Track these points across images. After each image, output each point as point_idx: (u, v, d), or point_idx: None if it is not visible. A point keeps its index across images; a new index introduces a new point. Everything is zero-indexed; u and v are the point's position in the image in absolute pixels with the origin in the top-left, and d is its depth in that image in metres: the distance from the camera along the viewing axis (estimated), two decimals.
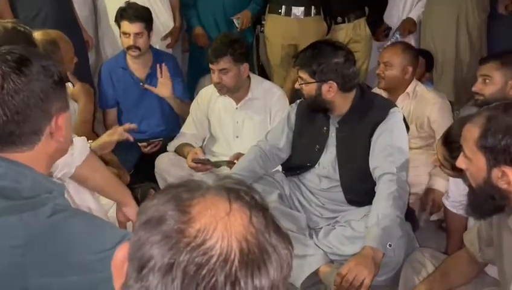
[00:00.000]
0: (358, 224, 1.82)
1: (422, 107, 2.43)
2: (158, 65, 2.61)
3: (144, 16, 2.56)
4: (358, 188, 1.91)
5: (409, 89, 2.47)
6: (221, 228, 0.54)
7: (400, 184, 1.73)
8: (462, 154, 1.20)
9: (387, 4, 3.20)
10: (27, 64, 0.90)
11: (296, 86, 1.93)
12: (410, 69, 2.44)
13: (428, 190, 2.19)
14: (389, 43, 3.05)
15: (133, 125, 1.98)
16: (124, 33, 2.55)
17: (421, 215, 2.22)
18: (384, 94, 2.49)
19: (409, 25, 3.20)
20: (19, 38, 1.52)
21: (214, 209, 0.55)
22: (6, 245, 0.84)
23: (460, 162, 1.21)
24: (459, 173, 1.36)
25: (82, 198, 1.50)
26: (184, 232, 0.53)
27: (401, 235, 1.70)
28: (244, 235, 0.54)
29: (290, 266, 0.58)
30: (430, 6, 3.15)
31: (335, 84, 1.81)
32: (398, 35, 3.18)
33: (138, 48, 2.57)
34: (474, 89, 2.10)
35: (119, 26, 2.58)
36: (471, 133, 1.14)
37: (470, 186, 1.22)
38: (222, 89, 2.34)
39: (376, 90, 2.53)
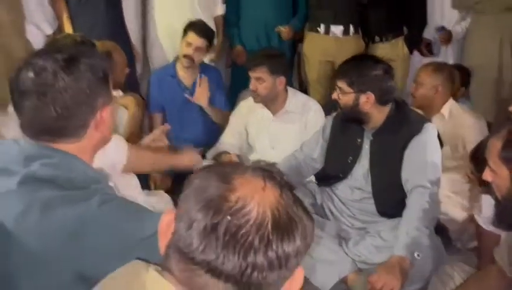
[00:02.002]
0: (388, 234, 1.85)
1: (457, 128, 2.44)
2: (199, 76, 2.76)
3: (210, 35, 2.78)
4: (390, 201, 1.94)
5: (444, 109, 2.48)
6: (257, 198, 0.63)
7: (431, 197, 1.76)
8: (487, 167, 1.24)
9: (427, 23, 3.23)
10: (75, 63, 0.96)
11: (334, 96, 2.00)
12: (440, 88, 2.46)
13: (470, 218, 2.11)
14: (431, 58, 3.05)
15: (166, 127, 2.07)
16: (188, 43, 2.72)
17: (459, 239, 2.19)
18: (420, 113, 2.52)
19: (447, 37, 3.23)
20: (86, 47, 1.67)
21: (252, 184, 0.65)
22: (62, 234, 0.90)
23: (487, 175, 1.25)
24: (487, 187, 1.39)
25: (131, 195, 1.61)
26: (227, 198, 0.63)
27: (429, 247, 1.72)
28: (276, 206, 0.64)
29: (312, 236, 0.67)
30: (474, 25, 3.16)
31: (373, 96, 1.87)
32: (441, 31, 3.18)
33: (193, 60, 2.74)
34: (510, 108, 2.11)
35: (185, 35, 2.73)
36: (494, 145, 1.19)
37: (496, 198, 1.26)
38: (256, 97, 2.45)
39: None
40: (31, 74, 0.95)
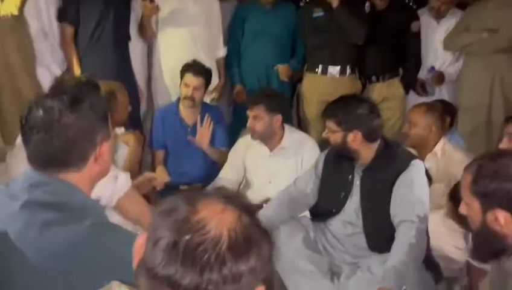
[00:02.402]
0: (378, 269, 1.87)
1: (450, 166, 2.47)
2: (206, 115, 2.86)
3: (206, 74, 2.88)
4: (380, 235, 1.98)
5: (437, 148, 2.53)
6: (216, 219, 0.70)
7: (418, 232, 1.80)
8: (462, 201, 1.30)
9: (421, 64, 3.34)
10: (79, 103, 1.08)
11: (324, 134, 2.09)
12: (433, 128, 2.52)
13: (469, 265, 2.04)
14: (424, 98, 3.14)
15: (166, 179, 2.15)
16: (186, 84, 2.85)
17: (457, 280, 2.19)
18: (413, 152, 2.56)
19: (439, 78, 3.32)
20: (89, 88, 1.80)
21: (213, 206, 0.72)
22: (56, 250, 1.00)
23: (462, 208, 1.30)
24: (464, 221, 1.44)
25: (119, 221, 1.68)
26: (189, 219, 0.70)
27: (417, 280, 1.75)
28: (234, 227, 0.70)
29: (270, 257, 0.73)
30: (466, 66, 3.26)
31: (360, 133, 1.95)
32: (432, 71, 3.28)
33: (193, 100, 2.86)
34: (500, 147, 2.16)
35: (182, 78, 2.88)
36: (466, 179, 1.25)
37: (472, 231, 1.30)
38: (254, 134, 2.55)
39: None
40: (40, 112, 1.07)
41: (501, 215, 1.18)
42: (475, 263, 1.88)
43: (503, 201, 1.18)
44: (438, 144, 2.54)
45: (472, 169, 1.24)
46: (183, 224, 0.69)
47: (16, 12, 2.49)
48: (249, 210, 0.74)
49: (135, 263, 0.75)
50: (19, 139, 1.98)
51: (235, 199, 0.75)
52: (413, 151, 2.55)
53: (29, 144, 1.09)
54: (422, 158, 2.55)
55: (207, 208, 0.71)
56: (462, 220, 1.40)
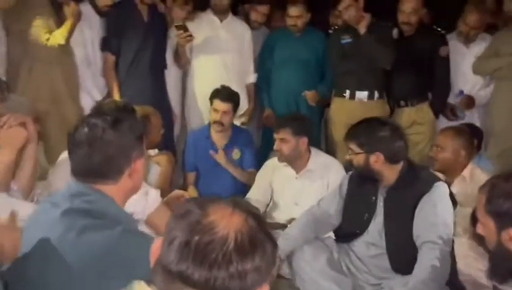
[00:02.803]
0: None
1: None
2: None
3: (234, 99, 3.02)
4: (404, 257, 1.98)
5: (465, 172, 2.50)
6: (225, 222, 0.78)
7: (441, 253, 1.80)
8: (479, 221, 1.32)
9: (450, 89, 3.34)
10: (119, 123, 1.23)
11: (347, 156, 2.13)
12: (463, 152, 2.50)
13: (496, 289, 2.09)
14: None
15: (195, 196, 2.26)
16: (215, 109, 2.99)
17: None
18: (441, 176, 2.55)
19: (468, 102, 3.30)
20: (126, 112, 1.95)
21: (222, 210, 0.81)
22: (90, 252, 1.12)
23: (479, 228, 1.32)
24: (482, 242, 1.45)
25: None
26: (201, 221, 0.78)
27: None
28: (240, 229, 0.78)
29: (274, 258, 0.80)
30: (496, 90, 3.24)
31: (382, 155, 1.98)
32: (461, 95, 3.27)
33: (222, 124, 2.98)
34: None
35: (212, 103, 3.01)
36: (481, 200, 1.27)
37: (489, 251, 1.32)
38: (281, 157, 2.62)
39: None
40: (85, 129, 1.22)
41: None
42: (500, 287, 1.85)
43: None
44: (467, 168, 2.52)
45: (486, 189, 1.27)
46: (195, 225, 0.78)
47: (63, 42, 2.69)
48: (255, 214, 0.82)
49: (152, 262, 0.84)
50: (59, 159, 2.15)
51: (243, 205, 0.83)
52: (441, 175, 2.54)
53: (74, 158, 1.24)
54: (451, 182, 2.55)
55: (217, 212, 0.80)
56: (482, 242, 1.41)
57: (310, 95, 3.37)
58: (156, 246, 0.84)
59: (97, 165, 1.20)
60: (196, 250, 0.75)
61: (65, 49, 2.78)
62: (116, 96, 3.02)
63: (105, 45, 3.04)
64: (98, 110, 2.12)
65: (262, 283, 0.79)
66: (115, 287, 0.90)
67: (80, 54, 2.93)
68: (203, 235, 0.76)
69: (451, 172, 2.54)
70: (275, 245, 0.81)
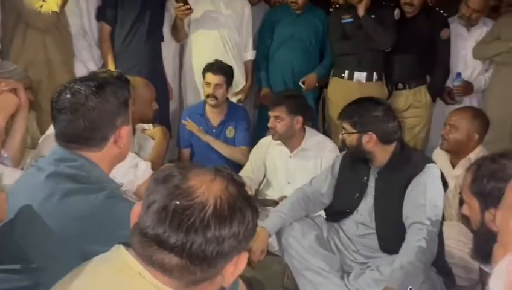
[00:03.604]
0: (386, 269, 1.89)
1: None
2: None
3: (226, 71, 2.98)
4: (392, 237, 1.99)
5: (472, 155, 2.41)
6: (204, 187, 0.78)
7: (428, 234, 1.81)
8: (464, 201, 1.32)
9: (449, 72, 3.30)
10: (103, 89, 1.23)
11: (340, 136, 2.13)
12: (476, 136, 2.42)
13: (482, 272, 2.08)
14: (456, 106, 3.11)
15: None
16: (207, 83, 2.96)
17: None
18: (446, 155, 2.51)
19: (466, 88, 3.26)
20: (115, 79, 1.92)
21: (203, 176, 0.80)
22: (74, 216, 1.13)
23: (464, 209, 1.32)
24: (467, 222, 1.45)
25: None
26: (180, 186, 0.78)
27: (425, 282, 1.75)
28: (220, 195, 0.78)
29: (254, 226, 0.79)
30: (495, 76, 3.21)
31: (374, 135, 1.98)
32: (460, 80, 3.22)
33: (215, 98, 2.95)
34: None
35: (204, 78, 2.98)
36: (466, 180, 1.27)
37: (473, 231, 1.32)
38: (275, 135, 2.61)
39: (437, 150, 2.58)
40: (68, 95, 1.21)
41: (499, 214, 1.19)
42: (484, 268, 1.86)
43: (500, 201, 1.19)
44: (475, 151, 2.43)
45: (472, 169, 1.27)
46: (173, 190, 0.77)
47: (56, 10, 2.64)
48: (237, 181, 0.82)
49: (132, 225, 0.84)
50: (49, 130, 2.14)
51: (225, 172, 0.82)
52: (446, 155, 2.51)
53: (57, 124, 1.23)
54: (455, 163, 2.50)
55: (197, 178, 0.79)
56: (468, 222, 1.41)
57: (309, 79, 3.30)
58: (136, 210, 0.84)
59: (81, 132, 1.20)
60: (174, 214, 0.75)
61: (60, 17, 2.74)
62: (111, 67, 2.98)
63: (101, 14, 2.98)
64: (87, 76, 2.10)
65: (240, 250, 0.79)
66: (98, 250, 0.90)
67: (75, 23, 2.88)
68: (181, 200, 0.76)
69: (458, 153, 2.47)
70: (255, 213, 0.80)
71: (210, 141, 2.96)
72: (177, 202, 0.75)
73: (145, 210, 0.78)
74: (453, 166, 2.51)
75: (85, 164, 1.21)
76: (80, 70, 2.88)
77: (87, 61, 2.96)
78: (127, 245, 0.82)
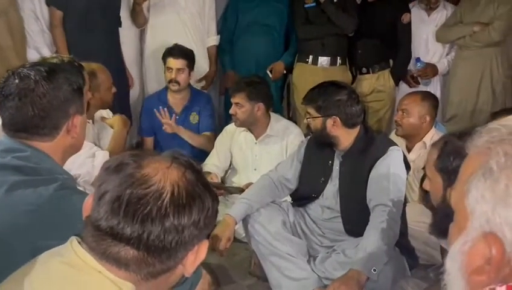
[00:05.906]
0: (352, 252, 1.91)
1: None
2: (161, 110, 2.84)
3: (187, 55, 2.90)
4: (357, 220, 2.00)
5: (426, 138, 2.51)
6: (160, 174, 0.73)
7: (391, 215, 1.83)
8: (426, 177, 1.33)
9: (411, 57, 3.34)
10: (54, 75, 1.15)
11: (305, 120, 2.12)
12: (428, 118, 2.50)
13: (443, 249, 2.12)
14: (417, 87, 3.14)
15: None
16: (168, 68, 2.88)
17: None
18: (402, 141, 2.58)
19: (431, 71, 3.31)
20: (68, 64, 1.83)
21: (159, 163, 0.75)
22: (22, 209, 1.06)
23: (425, 184, 1.33)
24: (426, 198, 1.47)
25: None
26: (134, 175, 0.73)
27: (388, 263, 1.78)
28: (177, 182, 0.73)
29: (214, 213, 0.76)
30: (457, 59, 3.27)
31: (338, 119, 1.98)
32: (420, 64, 3.27)
33: (178, 83, 2.88)
34: None
35: (165, 63, 2.90)
36: (431, 155, 1.28)
37: (432, 207, 1.33)
38: (236, 121, 2.58)
39: (393, 136, 2.64)
40: (16, 80, 1.12)
41: None
42: (441, 243, 1.90)
43: None
44: (428, 134, 2.52)
45: (438, 145, 1.27)
46: (127, 179, 0.72)
47: None
48: (195, 168, 0.77)
49: (84, 218, 0.79)
50: None
51: (182, 158, 0.78)
52: (402, 140, 2.56)
53: (4, 111, 1.14)
54: (411, 147, 2.57)
55: (153, 165, 0.75)
56: (427, 199, 1.42)
57: (276, 67, 3.25)
58: (88, 202, 0.79)
59: (29, 119, 1.13)
60: (128, 204, 0.70)
61: (11, 2, 2.60)
62: (64, 53, 2.86)
63: None
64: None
65: (201, 238, 0.75)
66: (51, 246, 0.85)
67: (26, 8, 2.74)
68: (135, 189, 0.71)
69: (413, 137, 2.55)
70: (215, 199, 0.77)
71: (179, 132, 2.88)
72: (132, 191, 0.71)
73: (97, 201, 0.73)
74: (409, 151, 2.56)
75: (34, 154, 1.13)
76: (33, 57, 2.74)
77: (41, 47, 2.82)
78: (81, 238, 0.77)
